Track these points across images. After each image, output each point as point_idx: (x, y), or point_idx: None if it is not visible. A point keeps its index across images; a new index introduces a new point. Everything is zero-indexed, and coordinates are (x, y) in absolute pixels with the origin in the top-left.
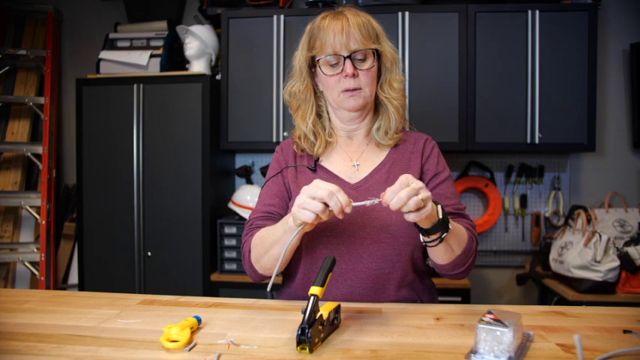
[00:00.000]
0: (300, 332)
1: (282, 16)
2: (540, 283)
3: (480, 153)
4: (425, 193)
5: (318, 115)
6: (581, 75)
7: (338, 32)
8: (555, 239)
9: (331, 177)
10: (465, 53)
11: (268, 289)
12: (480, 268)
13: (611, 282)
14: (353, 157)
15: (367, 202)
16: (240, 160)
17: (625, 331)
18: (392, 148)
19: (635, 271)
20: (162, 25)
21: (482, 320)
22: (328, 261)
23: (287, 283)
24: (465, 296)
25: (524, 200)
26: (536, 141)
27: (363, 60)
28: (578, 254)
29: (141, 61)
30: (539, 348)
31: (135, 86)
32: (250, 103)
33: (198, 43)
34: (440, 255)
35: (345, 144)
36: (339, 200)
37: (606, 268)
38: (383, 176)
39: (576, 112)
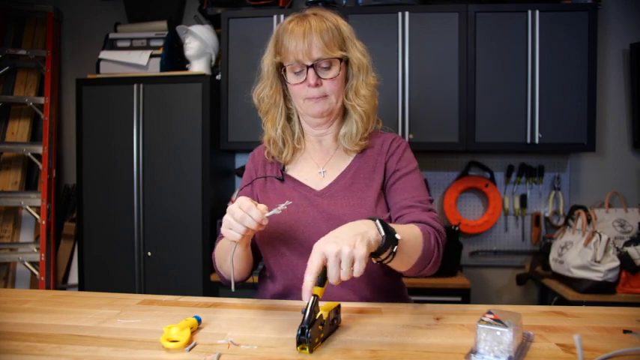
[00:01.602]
0: (300, 332)
1: (282, 16)
2: (540, 283)
3: (480, 153)
4: (345, 254)
5: (288, 119)
6: (581, 75)
7: (300, 40)
8: (555, 239)
9: (298, 185)
10: (465, 53)
11: (232, 289)
12: (480, 268)
13: (611, 282)
14: (320, 163)
15: (277, 210)
16: (240, 160)
17: (625, 331)
18: (358, 153)
19: (635, 271)
20: (163, 25)
21: (483, 320)
22: None
23: (264, 284)
24: (465, 296)
25: (524, 200)
26: (536, 141)
27: (328, 68)
28: (578, 254)
29: (141, 61)
30: (539, 348)
31: (135, 86)
32: (250, 103)
33: (198, 43)
34: (397, 266)
35: (314, 150)
36: (253, 219)
37: (606, 268)
38: (347, 182)
39: (576, 112)
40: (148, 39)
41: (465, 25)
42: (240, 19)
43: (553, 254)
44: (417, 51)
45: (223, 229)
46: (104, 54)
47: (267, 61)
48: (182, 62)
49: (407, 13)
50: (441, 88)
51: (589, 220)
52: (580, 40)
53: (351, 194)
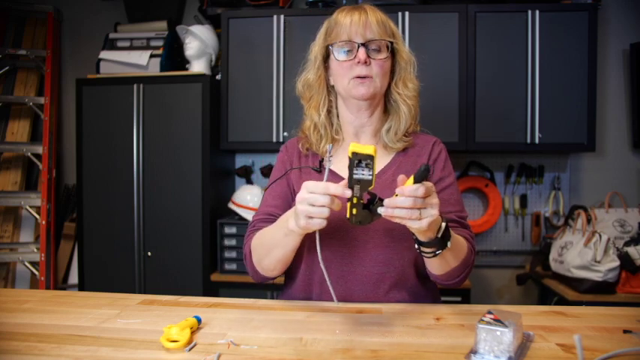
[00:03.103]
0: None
1: (282, 16)
2: (540, 283)
3: (480, 153)
4: (433, 200)
5: (327, 111)
6: (581, 75)
7: (355, 21)
8: (555, 239)
9: (336, 178)
10: (465, 53)
11: (335, 301)
12: (480, 268)
13: (611, 282)
14: None
15: (329, 164)
16: (240, 160)
17: (625, 331)
18: (400, 151)
19: (635, 271)
20: (162, 25)
21: (483, 320)
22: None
23: (288, 283)
24: (465, 296)
25: (524, 200)
26: (536, 141)
27: (378, 51)
28: (578, 254)
29: (141, 61)
30: (539, 348)
31: (135, 86)
32: (250, 103)
33: (198, 43)
34: (435, 266)
35: None
36: (331, 194)
37: (606, 268)
38: (388, 179)
39: (576, 112)
40: (148, 39)
41: (465, 25)
42: (240, 19)
43: (553, 254)
44: (417, 51)
45: (304, 222)
46: (104, 54)
47: (316, 48)
48: (182, 62)
49: (407, 13)
50: (441, 87)
51: (589, 220)
52: (580, 40)
53: (391, 192)
